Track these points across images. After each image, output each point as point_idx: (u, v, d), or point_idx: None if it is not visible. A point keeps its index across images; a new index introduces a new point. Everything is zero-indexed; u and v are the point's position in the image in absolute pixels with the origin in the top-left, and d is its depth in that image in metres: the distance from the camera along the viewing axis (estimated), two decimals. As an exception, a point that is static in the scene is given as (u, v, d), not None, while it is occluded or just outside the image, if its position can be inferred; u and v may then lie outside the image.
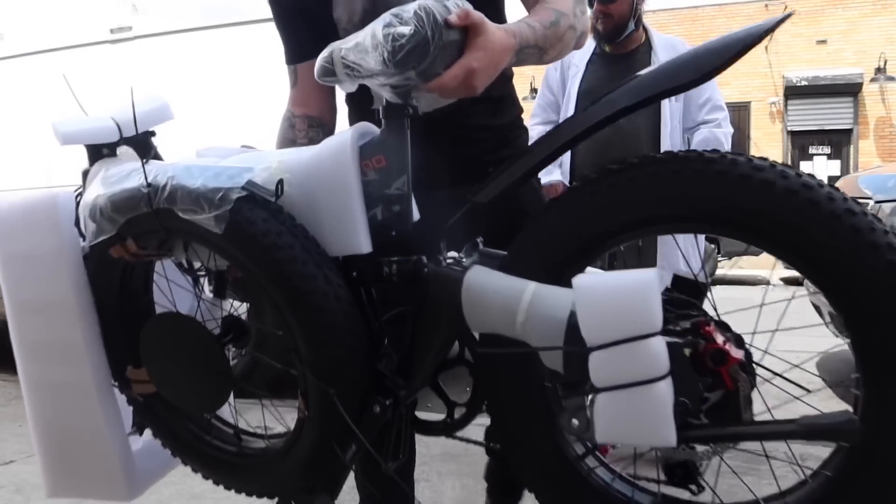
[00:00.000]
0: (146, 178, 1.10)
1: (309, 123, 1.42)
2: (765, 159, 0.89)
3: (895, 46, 12.73)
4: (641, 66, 2.58)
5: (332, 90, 1.41)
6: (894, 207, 3.00)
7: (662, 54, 2.62)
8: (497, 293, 0.97)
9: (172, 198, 1.08)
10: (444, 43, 1.00)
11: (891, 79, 12.78)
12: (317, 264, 1.06)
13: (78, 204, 1.23)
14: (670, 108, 2.61)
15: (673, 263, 2.50)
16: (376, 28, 0.99)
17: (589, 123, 0.95)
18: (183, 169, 1.11)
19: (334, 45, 1.06)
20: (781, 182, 0.85)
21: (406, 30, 0.96)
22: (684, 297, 0.94)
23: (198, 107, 3.44)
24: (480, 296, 0.98)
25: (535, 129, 2.77)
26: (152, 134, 1.36)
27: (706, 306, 0.99)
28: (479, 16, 1.03)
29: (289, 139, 1.42)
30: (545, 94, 2.90)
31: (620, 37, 2.70)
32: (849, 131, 13.48)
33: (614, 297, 0.86)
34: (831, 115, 13.49)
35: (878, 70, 12.85)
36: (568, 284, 0.96)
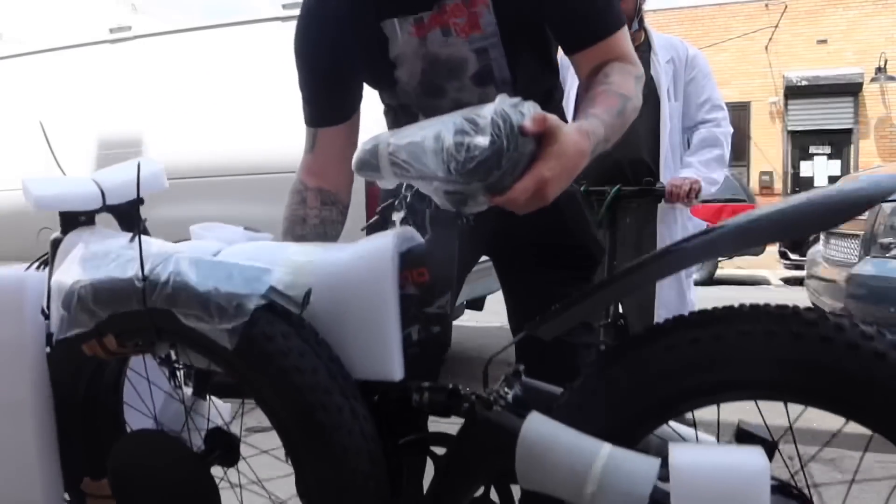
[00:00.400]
0: (143, 269, 0.93)
1: (322, 200, 1.24)
2: (871, 325, 0.79)
3: (895, 46, 12.51)
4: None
5: None
6: (895, 207, 2.95)
7: (662, 54, 2.56)
8: (563, 452, 0.82)
9: (174, 299, 0.91)
10: (518, 154, 0.87)
11: (891, 78, 12.49)
12: (342, 393, 0.89)
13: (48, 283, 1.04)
14: (670, 108, 2.54)
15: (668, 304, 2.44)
16: (444, 132, 0.84)
17: (683, 265, 0.83)
18: (188, 263, 0.93)
19: (380, 137, 0.90)
20: (894, 353, 0.75)
21: (482, 141, 0.82)
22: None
23: (197, 107, 3.37)
24: (542, 452, 0.83)
25: None
26: (140, 202, 1.18)
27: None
28: (555, 120, 0.89)
29: (299, 217, 1.23)
30: None
31: None
32: (849, 131, 13.25)
33: (720, 481, 0.72)
34: (832, 114, 13.27)
35: (879, 70, 12.53)
36: (630, 445, 0.83)
